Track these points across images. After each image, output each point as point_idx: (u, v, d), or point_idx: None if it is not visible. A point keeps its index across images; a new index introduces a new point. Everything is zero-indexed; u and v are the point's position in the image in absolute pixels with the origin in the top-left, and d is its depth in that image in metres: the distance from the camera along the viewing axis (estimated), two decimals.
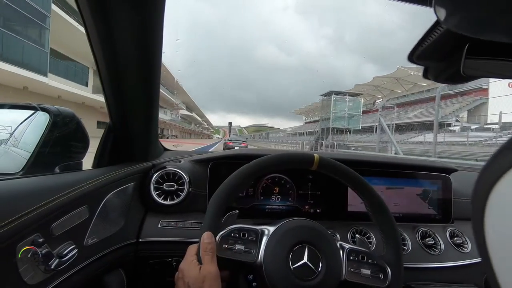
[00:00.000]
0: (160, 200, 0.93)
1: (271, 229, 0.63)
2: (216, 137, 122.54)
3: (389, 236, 0.66)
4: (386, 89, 38.74)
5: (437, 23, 0.43)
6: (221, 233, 0.59)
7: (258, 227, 0.63)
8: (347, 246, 0.66)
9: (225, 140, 28.20)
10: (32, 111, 0.86)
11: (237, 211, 0.66)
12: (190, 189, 0.95)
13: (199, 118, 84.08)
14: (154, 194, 0.93)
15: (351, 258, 0.64)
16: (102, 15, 0.62)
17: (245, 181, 0.62)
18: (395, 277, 0.63)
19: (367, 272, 0.63)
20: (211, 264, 0.54)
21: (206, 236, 0.57)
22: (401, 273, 0.64)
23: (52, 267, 0.55)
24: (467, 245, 0.98)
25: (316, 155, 0.65)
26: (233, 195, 0.62)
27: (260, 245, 0.61)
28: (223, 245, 0.58)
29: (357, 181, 0.67)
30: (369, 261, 0.64)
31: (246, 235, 0.61)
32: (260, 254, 0.59)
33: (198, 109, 75.86)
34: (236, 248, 0.59)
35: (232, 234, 0.60)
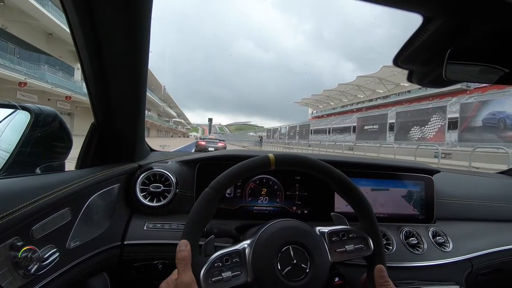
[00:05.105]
0: (146, 201, 0.91)
1: (250, 241, 0.62)
2: (194, 136, 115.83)
3: (360, 206, 0.68)
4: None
5: (421, 29, 0.44)
6: (204, 267, 0.56)
7: (238, 246, 0.62)
8: (326, 229, 0.66)
9: (196, 139, 21.81)
10: (12, 110, 0.83)
11: (213, 236, 0.65)
12: (177, 190, 0.94)
13: (172, 112, 68.56)
14: (140, 195, 0.91)
15: (333, 239, 0.65)
16: (88, 13, 0.60)
17: (211, 205, 0.61)
18: (376, 242, 0.65)
19: (351, 247, 0.64)
20: (184, 274, 0.53)
21: (180, 244, 0.55)
22: (379, 238, 0.66)
23: (32, 271, 0.53)
24: (448, 245, 1.01)
25: (270, 155, 0.65)
26: (202, 225, 0.60)
27: (246, 263, 0.59)
28: (210, 279, 0.56)
29: (315, 165, 0.68)
30: (350, 236, 0.66)
31: (229, 259, 0.59)
32: (249, 273, 0.58)
33: (170, 99, 62.72)
34: (224, 276, 0.57)
35: (215, 264, 0.57)
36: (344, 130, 30.80)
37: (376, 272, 0.62)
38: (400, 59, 0.53)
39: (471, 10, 0.38)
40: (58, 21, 18.48)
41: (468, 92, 26.57)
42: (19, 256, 0.51)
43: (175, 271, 0.55)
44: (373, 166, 1.09)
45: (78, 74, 24.41)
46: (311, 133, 30.88)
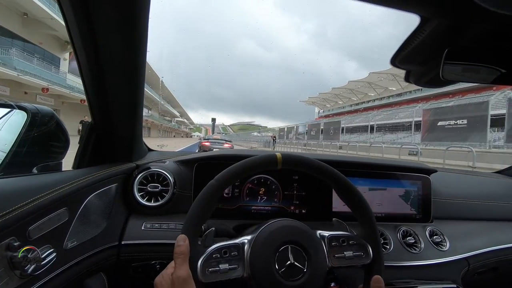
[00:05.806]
0: (143, 201, 0.91)
1: (250, 237, 0.62)
2: (197, 136, 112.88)
3: (361, 212, 0.68)
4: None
5: (418, 29, 0.45)
6: (202, 257, 0.57)
7: (238, 240, 0.62)
8: (327, 234, 0.67)
9: (200, 139, 19.86)
10: (8, 109, 0.83)
11: (213, 228, 0.65)
12: (175, 190, 0.94)
13: (174, 111, 64.91)
14: (137, 195, 0.91)
15: (333, 244, 0.65)
16: (85, 11, 0.60)
17: (213, 198, 0.61)
18: (376, 251, 0.65)
19: (350, 253, 0.64)
20: (181, 268, 0.53)
21: (178, 239, 0.55)
22: (379, 247, 0.66)
23: (29, 272, 0.53)
24: (445, 244, 1.02)
25: (278, 154, 0.66)
26: (202, 221, 0.60)
27: (244, 257, 0.60)
28: (207, 270, 0.56)
29: (322, 169, 0.68)
30: (350, 242, 0.66)
31: (228, 252, 0.59)
32: (246, 268, 0.59)
33: (172, 98, 60.40)
34: (221, 268, 0.57)
35: (214, 256, 0.58)
36: (393, 128, 23.84)
37: (373, 283, 0.61)
38: (397, 59, 0.53)
39: (468, 10, 0.38)
40: None
41: (494, 88, 20.09)
42: (19, 256, 0.51)
43: (170, 264, 0.55)
44: (370, 165, 1.10)
45: (65, 65, 19.61)
46: (342, 132, 23.71)
